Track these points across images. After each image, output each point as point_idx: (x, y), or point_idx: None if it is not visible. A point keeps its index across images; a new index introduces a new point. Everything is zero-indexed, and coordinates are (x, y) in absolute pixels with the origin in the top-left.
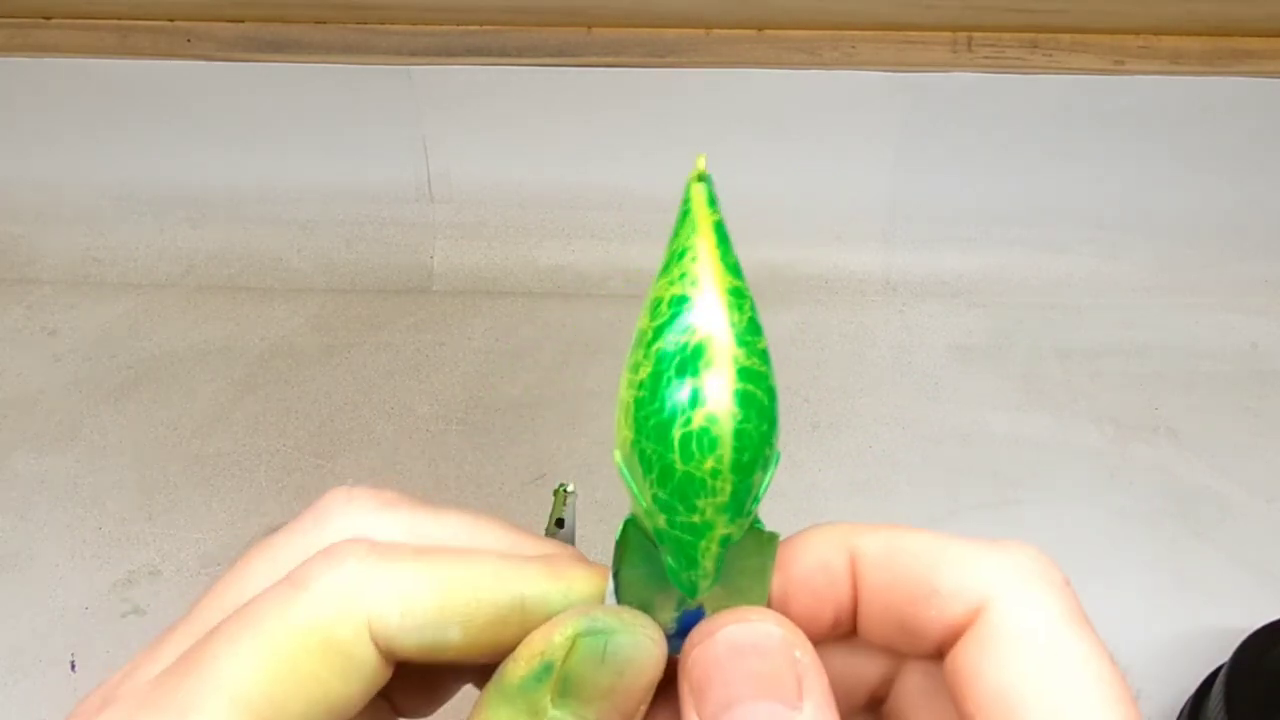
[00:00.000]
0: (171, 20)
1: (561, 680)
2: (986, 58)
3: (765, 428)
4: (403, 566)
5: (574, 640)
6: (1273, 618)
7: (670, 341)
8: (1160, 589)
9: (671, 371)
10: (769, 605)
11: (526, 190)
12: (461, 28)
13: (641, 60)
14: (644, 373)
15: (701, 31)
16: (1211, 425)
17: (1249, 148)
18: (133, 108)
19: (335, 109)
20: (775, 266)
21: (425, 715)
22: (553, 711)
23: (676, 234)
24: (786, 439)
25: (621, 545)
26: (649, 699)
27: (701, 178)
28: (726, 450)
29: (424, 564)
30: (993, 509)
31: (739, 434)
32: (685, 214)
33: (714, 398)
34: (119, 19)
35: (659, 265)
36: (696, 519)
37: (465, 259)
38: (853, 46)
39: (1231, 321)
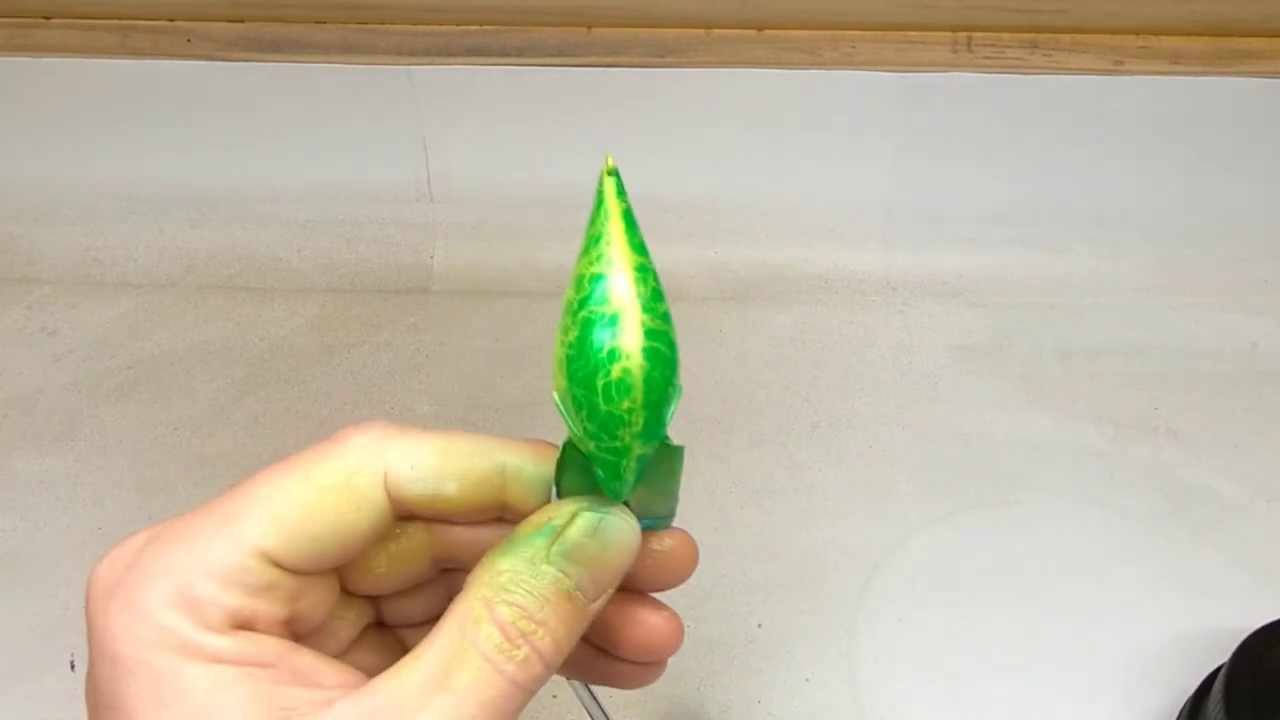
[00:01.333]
0: (171, 20)
1: (559, 541)
2: (986, 58)
3: (668, 373)
4: (415, 435)
5: (576, 513)
6: (1273, 618)
7: (591, 311)
8: (1160, 589)
9: (593, 335)
10: (674, 501)
11: (526, 190)
12: (461, 28)
13: (641, 60)
14: (572, 335)
15: (701, 31)
16: (1211, 425)
17: (1249, 148)
18: (133, 108)
19: (335, 109)
20: (775, 266)
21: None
22: (545, 565)
23: (593, 221)
24: (786, 438)
25: (561, 463)
26: (620, 580)
27: (611, 172)
28: (639, 393)
29: (431, 435)
30: (993, 509)
31: (647, 380)
32: (600, 204)
33: (627, 354)
34: (119, 19)
35: (580, 249)
36: (619, 444)
37: (465, 259)
38: (853, 46)
39: (1231, 321)
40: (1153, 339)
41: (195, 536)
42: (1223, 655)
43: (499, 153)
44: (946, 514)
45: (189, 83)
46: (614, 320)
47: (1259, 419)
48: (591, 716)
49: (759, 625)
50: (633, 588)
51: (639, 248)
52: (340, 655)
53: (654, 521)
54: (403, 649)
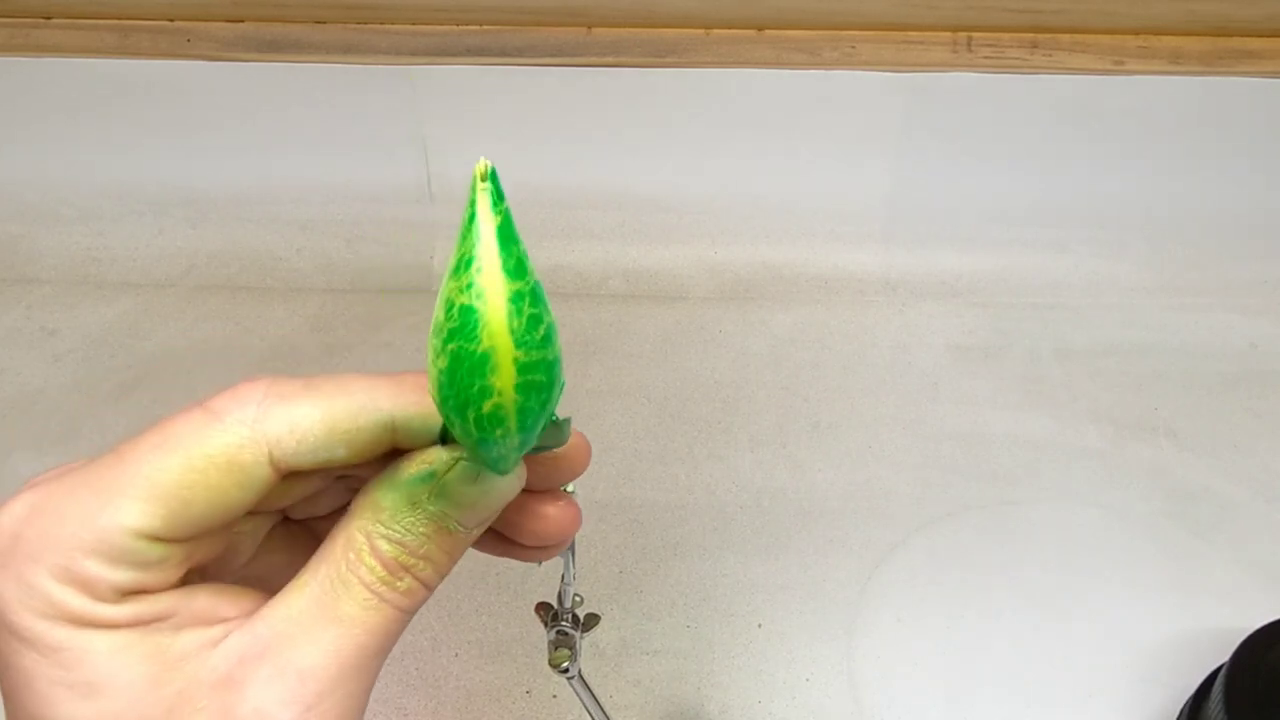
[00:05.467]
0: (171, 20)
1: (440, 486)
2: (986, 58)
3: (545, 395)
4: (296, 402)
5: (457, 460)
6: (1273, 618)
7: (461, 346)
8: (1160, 589)
9: (464, 371)
10: (566, 436)
11: (526, 190)
12: (461, 28)
13: (641, 60)
14: (442, 364)
15: (701, 31)
16: (1211, 425)
17: (1249, 148)
18: (133, 108)
19: (335, 109)
20: (775, 266)
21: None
22: (427, 505)
23: (463, 238)
24: (786, 438)
25: (445, 434)
26: (501, 509)
27: (486, 176)
28: (512, 424)
29: (313, 398)
30: (993, 509)
31: (520, 412)
32: (470, 218)
33: (498, 391)
34: (119, 19)
35: (450, 264)
36: (495, 454)
37: None
38: (853, 46)
39: (1231, 321)
40: (1152, 339)
41: (78, 512)
42: (1223, 655)
43: (499, 153)
44: (946, 514)
45: (189, 83)
46: (485, 359)
47: (1259, 419)
48: (591, 716)
49: (759, 625)
50: (531, 489)
51: (515, 270)
52: (249, 561)
53: (546, 448)
54: (313, 539)
